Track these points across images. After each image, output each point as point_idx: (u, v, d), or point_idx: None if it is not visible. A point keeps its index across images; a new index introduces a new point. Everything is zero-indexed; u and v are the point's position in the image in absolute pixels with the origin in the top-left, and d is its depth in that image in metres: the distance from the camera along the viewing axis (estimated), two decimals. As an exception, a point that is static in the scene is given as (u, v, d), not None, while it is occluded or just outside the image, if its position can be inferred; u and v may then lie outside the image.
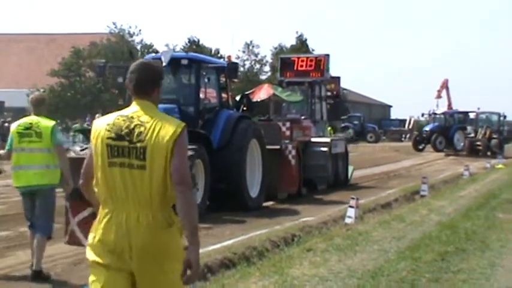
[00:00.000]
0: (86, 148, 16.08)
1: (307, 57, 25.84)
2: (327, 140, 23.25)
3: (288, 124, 20.92)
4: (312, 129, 23.49)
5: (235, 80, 20.40)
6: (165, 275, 4.70)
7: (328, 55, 25.47)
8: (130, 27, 62.62)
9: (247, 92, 21.56)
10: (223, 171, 16.89)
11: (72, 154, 16.17)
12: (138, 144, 4.67)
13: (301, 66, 25.18)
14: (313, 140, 22.85)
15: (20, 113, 14.63)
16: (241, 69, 60.86)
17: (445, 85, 60.72)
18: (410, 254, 10.93)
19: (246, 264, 10.48)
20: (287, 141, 20.34)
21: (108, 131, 4.73)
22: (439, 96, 59.96)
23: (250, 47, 67.97)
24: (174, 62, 17.34)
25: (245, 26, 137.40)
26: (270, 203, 18.73)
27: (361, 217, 15.16)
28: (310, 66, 25.11)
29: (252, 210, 17.17)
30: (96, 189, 4.81)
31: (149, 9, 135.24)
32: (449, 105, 59.20)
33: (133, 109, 4.83)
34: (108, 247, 4.71)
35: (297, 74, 25.23)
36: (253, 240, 12.22)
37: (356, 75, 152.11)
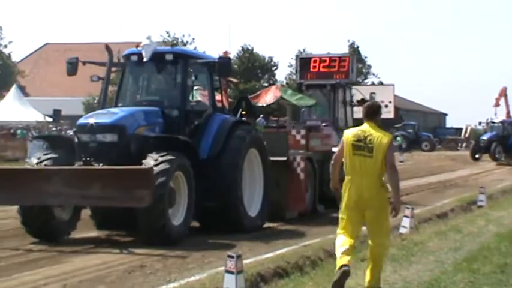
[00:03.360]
0: (46, 160, 13.03)
1: (330, 57, 21.99)
2: (350, 150, 19.77)
3: (302, 132, 17.51)
4: (334, 137, 20.00)
5: (234, 80, 17.07)
6: (381, 211, 8.63)
7: (353, 55, 22.03)
8: (183, 35, 60.70)
9: (251, 95, 18.19)
10: (213, 186, 13.77)
11: (27, 166, 13.22)
12: (369, 145, 8.53)
13: (323, 67, 21.66)
14: (334, 149, 19.28)
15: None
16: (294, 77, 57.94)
17: (503, 93, 58.71)
18: (467, 265, 10.59)
19: (299, 273, 10.25)
20: (301, 151, 16.99)
21: (353, 137, 8.63)
22: (497, 105, 58.26)
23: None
24: (157, 58, 14.36)
25: (298, 34, 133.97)
26: (277, 223, 15.67)
27: (417, 227, 14.53)
28: (333, 67, 21.55)
29: (250, 231, 14.05)
30: (344, 167, 8.67)
31: (203, 18, 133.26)
32: (508, 114, 57.39)
33: (366, 127, 8.70)
34: (351, 197, 8.57)
35: (318, 75, 21.73)
36: (307, 249, 11.90)
37: (411, 83, 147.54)
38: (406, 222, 14.04)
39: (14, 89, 53.05)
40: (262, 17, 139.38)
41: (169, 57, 14.24)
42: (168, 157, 12.53)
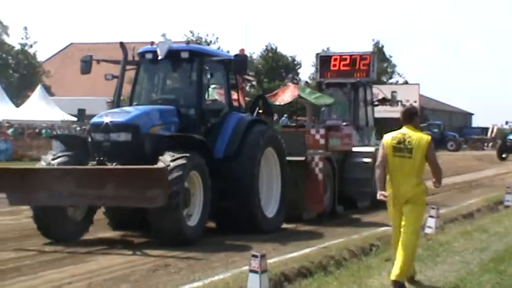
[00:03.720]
0: (60, 157, 12.81)
1: (351, 55, 21.52)
2: (371, 149, 19.33)
3: (321, 131, 17.13)
4: (354, 137, 19.61)
5: (251, 78, 16.71)
6: (418, 206, 9.22)
7: (374, 52, 21.58)
8: (207, 35, 60.44)
9: (269, 94, 17.80)
10: (230, 186, 13.44)
11: (42, 163, 12.96)
12: (409, 147, 9.10)
13: (344, 65, 21.23)
14: (354, 149, 18.99)
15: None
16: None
17: (530, 92, 57.38)
18: (494, 266, 10.46)
19: (323, 273, 10.10)
20: (320, 151, 16.63)
21: (393, 140, 9.20)
22: (524, 104, 56.80)
23: (328, 55, 64.44)
24: (172, 55, 14.04)
25: (322, 33, 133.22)
26: (295, 224, 15.28)
27: (442, 227, 14.28)
28: (354, 65, 21.15)
29: (267, 232, 13.73)
30: (386, 168, 9.24)
31: (226, 18, 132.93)
32: (535, 113, 56.03)
33: (405, 130, 9.26)
34: (392, 194, 9.20)
35: (339, 74, 21.30)
36: (330, 249, 11.70)
37: (437, 82, 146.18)
38: (431, 222, 13.84)
39: (39, 88, 53.26)
40: (287, 16, 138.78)
41: (184, 55, 13.94)
42: (183, 156, 12.25)
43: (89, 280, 9.56)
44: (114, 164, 12.38)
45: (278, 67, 65.38)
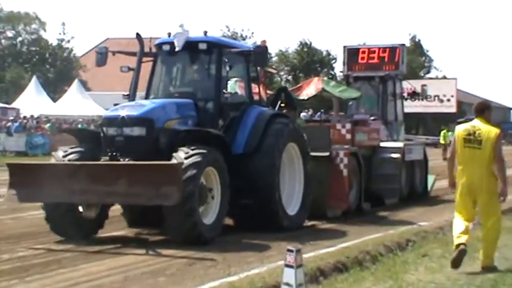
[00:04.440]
0: (72, 153, 12.24)
1: (379, 48, 20.63)
2: (400, 144, 18.50)
3: (348, 126, 16.38)
4: (383, 132, 18.81)
5: (273, 71, 16.00)
6: (491, 196, 9.67)
7: (403, 45, 20.63)
8: (242, 30, 60.05)
9: (292, 88, 17.05)
10: (250, 183, 12.78)
11: (52, 160, 12.42)
12: (478, 138, 9.57)
13: (372, 58, 20.36)
14: (382, 144, 18.19)
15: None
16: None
17: None
18: None
19: (359, 268, 10.03)
20: (346, 146, 15.89)
21: (464, 132, 9.70)
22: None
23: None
24: (190, 47, 13.39)
25: (359, 27, 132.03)
26: (318, 222, 14.59)
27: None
28: (383, 58, 20.25)
29: (289, 230, 13.04)
30: (456, 159, 9.82)
31: (262, 13, 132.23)
32: None
33: (475, 122, 9.76)
34: (463, 184, 9.68)
35: (367, 67, 20.46)
36: (367, 244, 11.61)
37: (475, 77, 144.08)
38: None
39: (76, 83, 53.28)
40: (322, 10, 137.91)
41: (202, 46, 13.28)
42: (199, 151, 11.60)
43: (125, 273, 9.55)
44: (127, 159, 11.79)
45: (313, 62, 64.77)
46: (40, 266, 9.97)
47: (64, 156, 12.19)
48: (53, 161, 12.38)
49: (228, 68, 13.16)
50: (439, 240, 12.38)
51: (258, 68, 14.28)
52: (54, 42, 67.29)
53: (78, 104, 49.62)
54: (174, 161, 11.40)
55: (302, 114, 27.20)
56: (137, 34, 13.64)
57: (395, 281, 9.00)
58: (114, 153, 11.93)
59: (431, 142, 46.87)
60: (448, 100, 65.97)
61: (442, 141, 43.64)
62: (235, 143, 13.17)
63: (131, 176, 11.31)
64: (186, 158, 11.39)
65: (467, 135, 9.68)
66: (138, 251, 11.06)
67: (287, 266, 7.80)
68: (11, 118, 42.47)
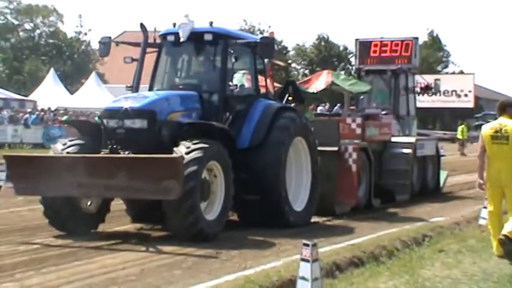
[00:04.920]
0: (71, 146, 11.84)
1: (392, 41, 20.17)
2: (411, 140, 18.00)
3: (358, 120, 15.90)
4: (394, 126, 18.32)
5: (281, 63, 15.53)
6: None
7: (416, 38, 20.10)
8: (260, 24, 59.78)
9: (301, 81, 16.57)
10: (255, 178, 12.33)
11: (51, 152, 12.01)
12: (505, 134, 10.11)
13: (384, 51, 19.87)
14: (393, 139, 17.69)
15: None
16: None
17: None
18: None
19: (375, 263, 10.02)
20: (357, 141, 15.43)
21: (491, 130, 10.26)
22: None
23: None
24: (195, 38, 12.92)
25: (377, 22, 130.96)
26: (326, 218, 14.13)
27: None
28: (395, 51, 19.77)
29: (295, 227, 12.61)
30: (486, 156, 10.33)
31: (281, 7, 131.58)
32: None
33: (501, 120, 10.31)
34: (492, 178, 10.26)
35: (379, 60, 19.96)
36: (383, 239, 11.54)
37: (493, 72, 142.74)
38: (485, 213, 12.83)
39: (93, 76, 53.11)
40: (339, 4, 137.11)
41: (208, 37, 12.82)
42: (201, 145, 11.15)
43: (142, 266, 9.46)
44: (127, 152, 11.38)
45: (330, 56, 64.35)
46: (55, 258, 9.90)
47: (63, 149, 11.79)
48: (51, 153, 11.99)
49: (233, 60, 12.71)
50: (455, 235, 12.31)
51: (266, 60, 13.81)
52: (72, 35, 67.18)
53: (95, 97, 49.38)
54: (176, 153, 10.98)
55: (319, 108, 26.79)
56: (141, 24, 13.22)
57: (412, 276, 8.94)
58: (115, 146, 11.53)
59: (448, 137, 46.23)
60: (466, 95, 65.38)
61: (459, 137, 42.92)
62: (241, 137, 12.73)
63: (131, 169, 10.87)
64: (187, 153, 10.96)
65: (494, 132, 10.26)
66: (153, 245, 10.88)
67: (303, 260, 7.79)
68: (29, 110, 42.38)
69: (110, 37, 13.54)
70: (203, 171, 11.17)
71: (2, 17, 67.62)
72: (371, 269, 9.53)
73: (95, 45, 70.07)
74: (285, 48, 63.86)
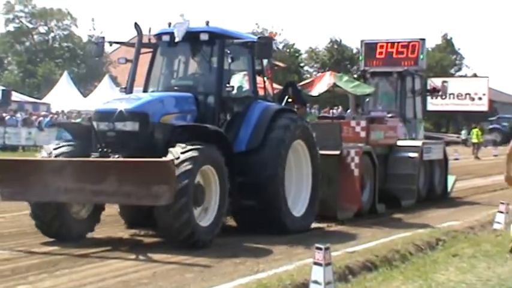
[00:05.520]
0: (62, 147, 11.34)
1: (398, 42, 19.54)
2: (418, 143, 17.40)
3: (362, 123, 15.34)
4: (400, 129, 17.74)
5: (281, 64, 15.02)
6: None
7: (423, 39, 19.49)
8: (272, 27, 59.54)
9: (303, 83, 16.03)
10: (253, 182, 11.81)
11: (43, 154, 11.42)
12: None
13: (390, 53, 19.27)
14: (399, 143, 17.11)
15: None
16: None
17: None
18: None
19: (389, 267, 9.86)
20: (360, 144, 14.88)
21: None
22: None
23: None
24: (191, 37, 12.42)
25: (390, 25, 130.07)
26: (327, 224, 13.59)
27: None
28: (402, 53, 19.18)
29: (294, 233, 12.11)
30: None
31: (292, 10, 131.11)
32: None
33: None
34: None
35: (385, 62, 19.37)
36: (396, 243, 11.31)
37: (506, 75, 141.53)
38: (500, 217, 13.18)
39: (106, 79, 52.78)
40: (352, 7, 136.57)
41: (204, 36, 12.30)
42: (194, 148, 10.64)
43: (153, 269, 9.40)
44: (117, 156, 10.86)
45: (343, 59, 63.88)
46: (68, 260, 9.84)
47: (54, 149, 11.28)
48: (41, 155, 11.48)
49: (230, 60, 12.20)
50: (469, 240, 12.12)
51: (264, 61, 13.27)
52: (85, 38, 67.03)
53: (108, 99, 49.10)
54: (168, 157, 10.46)
55: (331, 111, 26.34)
56: (135, 24, 12.72)
57: (425, 280, 8.84)
58: (105, 150, 11.02)
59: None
60: (480, 98, 64.72)
61: (474, 140, 42.06)
62: (238, 140, 12.22)
63: (120, 173, 10.36)
64: (181, 155, 10.46)
65: None
66: (164, 249, 10.59)
67: (316, 263, 7.76)
68: (43, 113, 42.18)
69: (103, 37, 13.16)
70: (197, 173, 10.66)
71: (17, 21, 67.55)
72: (384, 273, 9.41)
73: (108, 49, 70.10)
74: (298, 51, 63.52)
